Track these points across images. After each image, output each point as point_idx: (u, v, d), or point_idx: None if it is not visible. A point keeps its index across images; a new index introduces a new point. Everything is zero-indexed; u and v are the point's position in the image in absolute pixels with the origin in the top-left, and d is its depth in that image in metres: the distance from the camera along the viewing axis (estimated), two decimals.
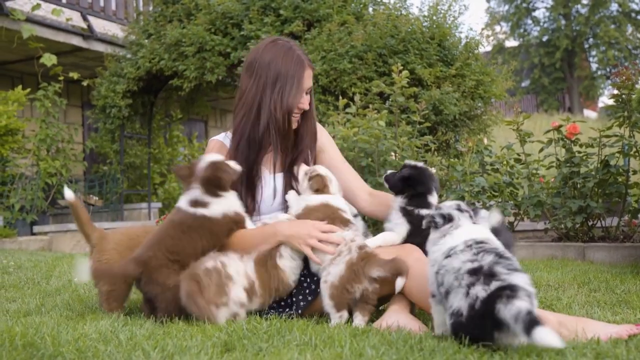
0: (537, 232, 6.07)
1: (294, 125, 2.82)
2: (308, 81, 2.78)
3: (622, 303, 2.74)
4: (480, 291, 1.81)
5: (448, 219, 2.09)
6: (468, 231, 2.04)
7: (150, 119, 10.12)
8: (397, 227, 2.53)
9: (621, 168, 4.98)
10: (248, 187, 2.75)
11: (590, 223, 5.20)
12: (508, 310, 1.72)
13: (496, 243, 2.00)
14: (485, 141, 6.55)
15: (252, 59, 2.78)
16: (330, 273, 2.37)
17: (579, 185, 5.16)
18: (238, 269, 2.36)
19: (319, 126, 2.99)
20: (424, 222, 2.16)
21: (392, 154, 5.85)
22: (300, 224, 2.47)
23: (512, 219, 5.76)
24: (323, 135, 3.00)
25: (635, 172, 4.75)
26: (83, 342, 1.94)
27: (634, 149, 4.91)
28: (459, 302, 1.86)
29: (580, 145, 5.20)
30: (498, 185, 5.62)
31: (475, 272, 1.86)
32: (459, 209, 2.12)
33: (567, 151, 5.23)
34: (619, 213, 5.14)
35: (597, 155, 5.09)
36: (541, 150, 5.38)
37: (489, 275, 1.83)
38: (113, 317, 2.41)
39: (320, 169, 2.68)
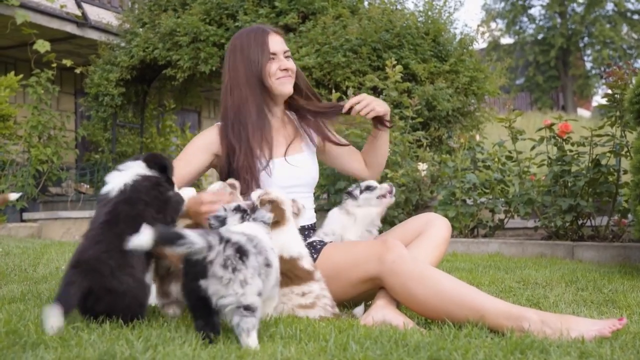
0: (527, 230, 6.08)
1: (285, 89, 2.74)
2: (275, 45, 2.72)
3: (609, 302, 2.75)
4: None
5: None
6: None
7: (143, 108, 10.08)
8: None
9: (612, 167, 5.00)
10: (245, 169, 2.62)
11: (580, 222, 5.22)
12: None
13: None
14: (478, 138, 6.55)
15: (226, 55, 2.80)
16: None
17: (569, 184, 5.17)
18: None
19: None
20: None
21: None
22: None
23: (502, 216, 5.78)
24: None
25: (626, 172, 4.75)
26: (67, 331, 1.93)
27: (625, 149, 4.93)
28: None
29: (572, 144, 5.21)
30: (489, 182, 5.64)
31: None
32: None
33: (559, 149, 5.24)
34: (609, 212, 5.16)
35: (589, 155, 5.11)
36: (533, 148, 5.39)
37: None
38: None
39: (273, 193, 2.31)
